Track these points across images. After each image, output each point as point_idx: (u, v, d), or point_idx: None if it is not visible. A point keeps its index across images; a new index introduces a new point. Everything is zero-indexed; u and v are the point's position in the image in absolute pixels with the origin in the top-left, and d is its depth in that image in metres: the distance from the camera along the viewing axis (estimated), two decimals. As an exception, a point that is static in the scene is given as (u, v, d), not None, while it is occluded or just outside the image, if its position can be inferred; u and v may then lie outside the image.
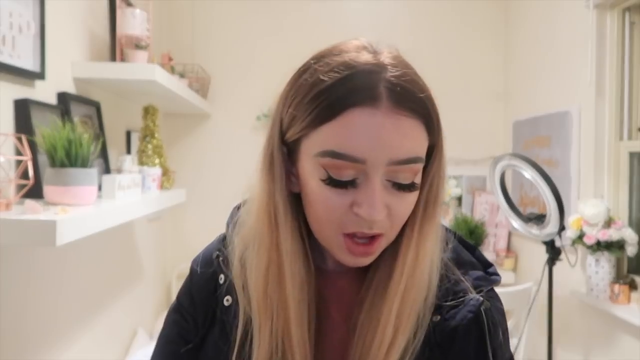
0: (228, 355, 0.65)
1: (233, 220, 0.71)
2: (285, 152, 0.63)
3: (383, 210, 0.57)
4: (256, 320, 0.64)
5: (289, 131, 0.61)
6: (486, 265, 0.70)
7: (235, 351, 0.64)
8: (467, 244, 0.72)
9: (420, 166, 0.59)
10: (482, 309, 0.64)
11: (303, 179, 0.61)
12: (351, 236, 0.59)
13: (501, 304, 0.70)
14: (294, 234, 0.63)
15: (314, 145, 0.58)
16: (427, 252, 0.63)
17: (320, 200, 0.58)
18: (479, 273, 0.68)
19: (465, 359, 0.64)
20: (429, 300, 0.64)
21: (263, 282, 0.63)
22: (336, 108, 0.56)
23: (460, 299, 0.64)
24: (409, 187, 0.59)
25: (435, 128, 0.60)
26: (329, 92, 0.56)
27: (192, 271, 0.74)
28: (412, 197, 0.60)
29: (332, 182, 0.57)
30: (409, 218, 0.62)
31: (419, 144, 0.58)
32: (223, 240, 0.72)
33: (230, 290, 0.67)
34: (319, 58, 0.60)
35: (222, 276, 0.69)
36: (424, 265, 0.63)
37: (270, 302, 0.62)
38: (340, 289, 0.69)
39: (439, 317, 0.64)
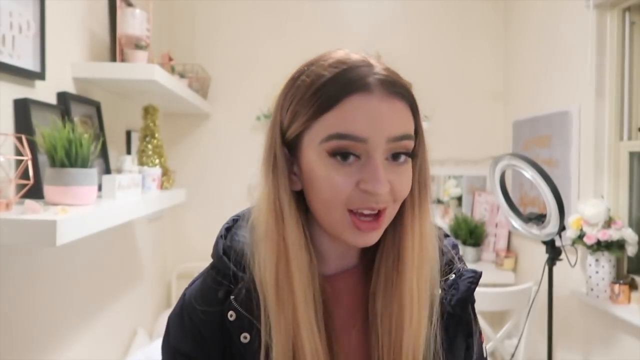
0: None
1: (224, 248, 0.71)
2: (286, 152, 0.68)
3: (387, 185, 0.63)
4: (273, 319, 0.65)
5: (290, 129, 0.66)
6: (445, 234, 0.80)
7: None
8: None
9: (411, 143, 0.67)
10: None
11: (308, 169, 0.66)
12: (357, 214, 0.65)
13: None
14: (298, 227, 0.67)
15: (318, 133, 0.64)
16: (429, 229, 0.70)
17: (328, 182, 0.64)
18: (451, 240, 0.79)
19: (470, 322, 0.74)
20: (437, 273, 0.71)
21: (275, 276, 0.66)
22: (336, 97, 0.63)
23: (451, 268, 0.74)
24: (405, 156, 0.66)
25: (418, 115, 0.68)
26: (329, 84, 0.64)
27: (192, 312, 0.71)
28: (408, 172, 0.67)
29: (341, 157, 0.63)
30: (407, 200, 0.69)
31: (408, 123, 0.66)
32: (218, 274, 0.71)
33: (245, 326, 0.67)
34: (310, 64, 0.67)
35: (231, 313, 0.68)
36: (429, 241, 0.70)
37: (282, 295, 0.65)
38: (345, 291, 0.72)
39: (439, 289, 0.72)
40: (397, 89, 0.65)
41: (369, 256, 0.73)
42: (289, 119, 0.66)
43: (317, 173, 0.64)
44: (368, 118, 0.62)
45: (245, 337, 0.67)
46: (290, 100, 0.66)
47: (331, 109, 0.63)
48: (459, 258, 0.76)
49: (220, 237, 0.74)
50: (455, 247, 0.78)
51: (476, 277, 0.74)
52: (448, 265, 0.74)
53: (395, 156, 0.65)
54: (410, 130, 0.66)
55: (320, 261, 0.71)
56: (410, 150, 0.67)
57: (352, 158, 0.63)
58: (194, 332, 0.70)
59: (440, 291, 0.72)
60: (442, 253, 0.74)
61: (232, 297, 0.68)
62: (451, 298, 0.72)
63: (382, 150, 0.63)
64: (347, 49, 0.69)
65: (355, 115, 0.62)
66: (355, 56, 0.66)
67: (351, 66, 0.64)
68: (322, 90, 0.64)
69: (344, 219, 0.65)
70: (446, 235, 0.79)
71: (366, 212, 0.64)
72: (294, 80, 0.67)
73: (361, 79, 0.63)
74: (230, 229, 0.74)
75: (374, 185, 0.62)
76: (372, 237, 0.66)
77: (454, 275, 0.73)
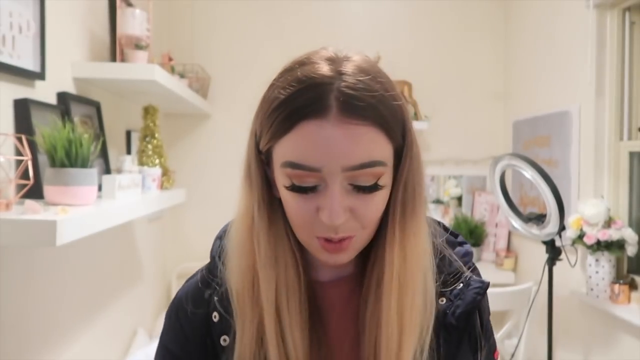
0: None
1: (218, 249, 0.72)
2: (264, 159, 0.66)
3: (343, 215, 0.59)
4: (238, 324, 0.66)
5: (261, 142, 0.64)
6: (455, 236, 0.75)
7: None
8: (442, 225, 0.76)
9: (381, 169, 0.60)
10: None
11: (277, 184, 0.64)
12: (323, 237, 0.62)
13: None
14: (274, 235, 0.65)
15: (278, 156, 0.61)
16: (416, 249, 0.65)
17: (290, 206, 0.62)
18: (462, 249, 0.73)
19: (477, 335, 0.69)
20: (430, 290, 0.66)
21: (241, 286, 0.66)
22: (289, 122, 0.59)
23: (458, 278, 0.69)
24: (370, 189, 0.60)
25: (398, 131, 0.61)
26: (282, 107, 0.59)
27: (180, 311, 0.72)
28: (378, 197, 0.62)
29: (295, 189, 0.61)
30: (388, 219, 0.64)
31: (375, 148, 0.59)
32: (209, 274, 0.72)
33: (225, 328, 0.68)
34: (281, 74, 0.63)
35: (215, 314, 0.69)
36: (414, 262, 0.64)
37: (246, 305, 0.65)
38: (339, 298, 0.70)
39: (444, 299, 0.68)
40: (359, 111, 0.57)
41: (365, 264, 0.69)
42: (259, 131, 0.64)
43: (282, 193, 0.63)
44: (320, 147, 0.57)
45: (224, 340, 0.68)
46: (259, 113, 0.64)
47: (286, 134, 0.59)
48: (469, 267, 0.71)
49: (217, 238, 0.74)
50: (466, 255, 0.73)
51: (483, 287, 0.69)
52: (454, 275, 0.70)
53: (359, 187, 0.60)
54: (377, 155, 0.59)
55: (314, 267, 0.70)
56: (379, 177, 0.60)
57: (309, 185, 0.60)
58: (180, 331, 0.72)
59: (444, 301, 0.68)
60: (448, 263, 0.70)
61: (216, 298, 0.69)
62: (455, 309, 0.67)
63: (342, 179, 0.59)
64: (332, 49, 0.63)
65: (306, 144, 0.58)
66: (324, 68, 0.60)
67: (309, 85, 0.58)
68: (277, 111, 0.59)
69: (312, 241, 0.63)
70: (460, 244, 0.74)
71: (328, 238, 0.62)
72: (268, 89, 0.63)
73: (316, 102, 0.58)
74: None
75: (329, 215, 0.59)
76: (342, 258, 0.64)
77: (461, 285, 0.69)
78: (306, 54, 0.64)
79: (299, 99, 0.58)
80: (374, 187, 0.60)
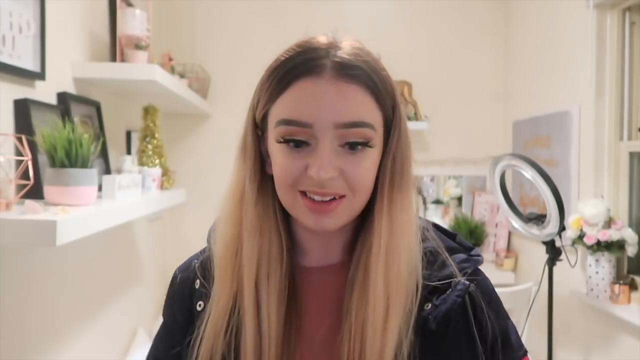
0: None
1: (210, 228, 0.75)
2: (259, 134, 0.69)
3: (331, 171, 0.61)
4: (216, 290, 0.68)
5: (257, 111, 0.67)
6: (468, 248, 0.73)
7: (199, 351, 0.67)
8: (447, 232, 0.75)
9: (370, 131, 0.62)
10: (470, 290, 0.67)
11: (269, 151, 0.66)
12: (309, 198, 0.63)
13: (488, 279, 0.74)
14: (261, 210, 0.67)
15: (273, 117, 0.64)
16: (402, 221, 0.66)
17: (279, 165, 0.64)
18: (463, 256, 0.71)
19: (459, 342, 0.66)
20: (415, 275, 0.66)
21: (224, 253, 0.68)
22: (285, 81, 0.63)
23: (447, 283, 0.67)
24: (360, 146, 0.62)
25: (388, 101, 0.65)
26: (279, 68, 0.64)
27: (173, 278, 0.78)
28: (368, 162, 0.63)
29: (287, 142, 0.62)
30: (377, 188, 0.66)
31: (364, 110, 0.62)
32: (207, 242, 0.75)
33: (203, 294, 0.70)
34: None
35: (197, 282, 0.72)
36: (400, 233, 0.65)
37: (228, 274, 0.67)
38: (322, 285, 0.71)
39: (429, 304, 0.66)
40: (354, 72, 0.61)
41: (352, 254, 0.69)
42: (256, 101, 0.68)
43: (273, 155, 0.65)
44: (313, 103, 0.61)
45: (200, 305, 0.71)
46: (258, 85, 0.68)
47: (282, 94, 0.63)
48: (465, 273, 0.68)
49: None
50: (466, 261, 0.70)
51: (464, 289, 0.66)
52: (446, 279, 0.67)
53: (351, 145, 0.62)
54: (366, 117, 0.62)
55: (301, 252, 0.71)
56: (369, 140, 0.63)
57: (302, 144, 0.62)
58: (171, 300, 0.77)
59: (430, 306, 0.66)
60: (440, 264, 0.68)
61: (196, 263, 0.73)
62: (437, 315, 0.65)
63: (332, 137, 0.61)
64: (331, 35, 0.66)
65: (300, 100, 0.61)
66: (322, 40, 0.64)
67: (306, 49, 0.63)
68: (274, 73, 0.64)
69: (297, 201, 0.64)
70: (468, 249, 0.72)
71: (316, 198, 0.63)
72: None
73: (312, 61, 0.62)
74: None
75: (317, 170, 0.60)
76: (326, 222, 0.64)
77: (449, 290, 0.66)
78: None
79: (296, 59, 0.63)
80: (363, 145, 0.62)
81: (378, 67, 0.65)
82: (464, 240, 0.75)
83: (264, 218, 0.67)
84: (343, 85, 0.61)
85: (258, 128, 0.69)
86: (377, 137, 0.64)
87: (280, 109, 0.63)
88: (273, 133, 0.64)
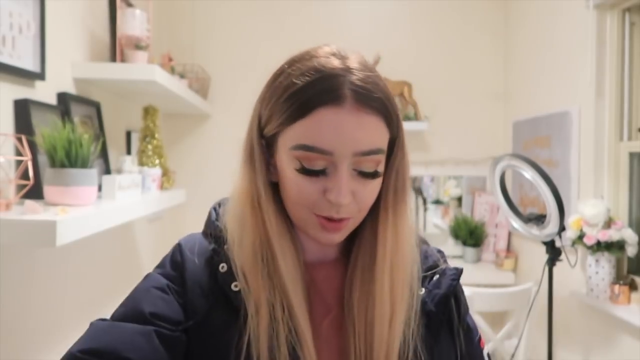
0: (238, 338, 0.65)
1: (213, 219, 0.75)
2: (264, 144, 0.70)
3: (349, 196, 0.65)
4: (250, 296, 0.67)
5: (267, 127, 0.68)
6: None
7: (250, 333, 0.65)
8: None
9: (381, 157, 0.67)
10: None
11: (280, 169, 0.68)
12: (323, 216, 0.67)
13: None
14: (277, 216, 0.69)
15: (289, 140, 0.65)
16: (406, 231, 0.72)
17: (295, 187, 0.66)
18: (433, 247, 0.81)
19: (452, 320, 0.75)
20: (416, 272, 0.73)
21: (252, 259, 0.68)
22: (307, 108, 0.64)
23: (434, 270, 0.76)
24: (372, 175, 0.67)
25: (395, 123, 0.68)
26: (300, 93, 0.64)
27: (186, 258, 0.72)
28: (375, 184, 0.68)
29: (305, 171, 0.65)
30: (381, 202, 0.70)
31: (379, 138, 0.66)
32: (207, 236, 0.74)
33: (235, 276, 0.69)
34: (291, 63, 0.68)
35: (223, 265, 0.70)
36: (405, 242, 0.71)
37: (262, 277, 0.67)
38: (322, 279, 0.74)
39: (423, 289, 0.73)
40: (371, 102, 0.64)
41: (349, 250, 0.74)
42: (267, 117, 0.68)
43: (287, 175, 0.67)
44: (336, 132, 0.63)
45: (235, 286, 0.68)
46: (269, 99, 0.68)
47: (302, 119, 0.64)
48: (444, 261, 0.78)
49: (212, 208, 0.78)
50: (441, 252, 0.80)
51: (457, 273, 0.75)
52: (432, 267, 0.76)
53: (362, 173, 0.66)
54: (380, 144, 0.66)
55: (300, 249, 0.73)
56: (379, 165, 0.67)
57: (319, 168, 0.65)
58: (186, 276, 0.72)
59: (423, 291, 0.73)
60: (425, 256, 0.77)
61: (219, 250, 0.71)
62: (434, 297, 0.73)
63: (349, 163, 0.65)
64: (334, 46, 0.69)
65: (323, 128, 0.63)
66: (334, 61, 0.66)
67: (325, 76, 0.64)
68: (294, 97, 0.64)
69: (311, 219, 0.67)
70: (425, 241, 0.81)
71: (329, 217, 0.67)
72: (274, 79, 0.68)
73: (333, 90, 0.63)
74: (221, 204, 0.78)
75: (337, 196, 0.64)
76: (335, 238, 0.69)
77: (438, 276, 0.75)
78: (310, 48, 0.69)
79: (317, 86, 0.64)
80: (375, 174, 0.67)
81: (387, 92, 0.67)
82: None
83: (284, 225, 0.70)
84: (363, 116, 0.64)
85: (263, 138, 0.70)
86: (383, 160, 0.68)
87: (300, 134, 0.64)
88: (288, 154, 0.66)
